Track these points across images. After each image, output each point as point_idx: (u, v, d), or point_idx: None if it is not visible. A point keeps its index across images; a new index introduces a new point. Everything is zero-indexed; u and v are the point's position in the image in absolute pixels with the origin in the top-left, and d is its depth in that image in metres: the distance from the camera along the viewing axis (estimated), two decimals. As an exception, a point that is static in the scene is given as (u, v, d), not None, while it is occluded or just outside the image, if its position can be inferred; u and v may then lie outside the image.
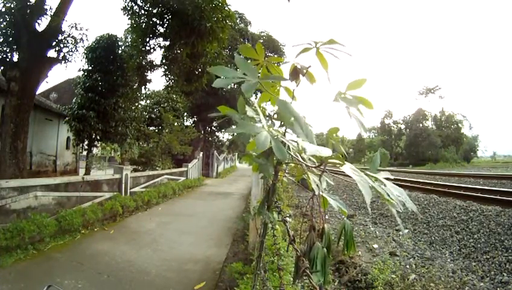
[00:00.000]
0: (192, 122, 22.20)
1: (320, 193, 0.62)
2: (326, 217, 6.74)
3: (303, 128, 0.59)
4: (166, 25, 9.67)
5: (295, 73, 0.70)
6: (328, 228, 0.67)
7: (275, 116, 0.76)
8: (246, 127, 0.57)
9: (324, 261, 0.61)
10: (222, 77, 0.65)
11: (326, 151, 0.52)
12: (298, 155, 0.62)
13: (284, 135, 0.65)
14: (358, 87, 0.70)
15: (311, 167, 0.60)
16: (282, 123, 0.76)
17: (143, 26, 9.80)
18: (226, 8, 9.39)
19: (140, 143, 14.51)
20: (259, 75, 0.77)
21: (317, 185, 0.57)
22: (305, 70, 0.70)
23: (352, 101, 0.67)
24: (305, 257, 0.62)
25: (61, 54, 8.18)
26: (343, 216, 0.71)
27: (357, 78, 0.73)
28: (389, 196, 0.54)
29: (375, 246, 4.91)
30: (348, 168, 0.55)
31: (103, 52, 10.04)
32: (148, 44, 10.40)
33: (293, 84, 0.76)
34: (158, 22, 9.70)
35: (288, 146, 0.63)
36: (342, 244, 0.69)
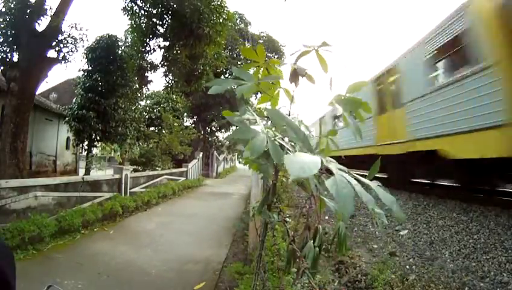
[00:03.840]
0: (192, 123, 22.21)
1: (317, 194, 0.63)
2: (326, 217, 6.74)
3: (297, 134, 0.59)
4: (166, 25, 9.69)
5: (294, 75, 0.71)
6: (321, 228, 0.70)
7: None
8: (243, 132, 0.56)
9: (315, 259, 0.65)
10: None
11: (313, 165, 0.45)
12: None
13: (283, 137, 0.65)
14: (358, 90, 0.69)
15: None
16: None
17: (143, 26, 9.82)
18: (225, 11, 9.42)
19: (141, 143, 14.52)
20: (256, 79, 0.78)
21: (316, 186, 0.57)
22: (304, 72, 0.70)
23: (351, 105, 0.66)
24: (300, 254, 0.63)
25: (61, 54, 8.20)
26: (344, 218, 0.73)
27: (357, 80, 0.72)
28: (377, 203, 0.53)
29: (375, 246, 4.91)
30: (333, 178, 0.49)
31: (103, 52, 10.05)
32: (148, 44, 10.42)
33: (292, 86, 0.76)
34: (158, 22, 9.72)
35: (287, 148, 0.63)
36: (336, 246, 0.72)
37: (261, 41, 20.38)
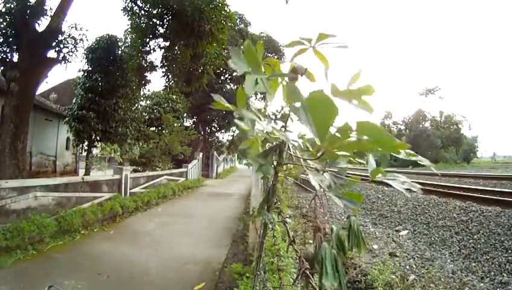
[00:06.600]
0: (192, 123, 22.18)
1: (323, 191, 0.61)
2: (326, 218, 6.74)
3: (307, 115, 0.56)
4: (166, 25, 9.67)
5: (294, 73, 0.70)
6: (336, 228, 0.64)
7: (278, 116, 0.76)
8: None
9: (335, 262, 0.58)
10: (236, 61, 0.62)
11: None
12: (298, 153, 0.62)
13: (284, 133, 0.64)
14: (357, 79, 0.69)
15: (310, 159, 0.60)
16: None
17: (143, 26, 9.81)
18: (226, 9, 9.41)
19: (141, 144, 14.50)
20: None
21: (319, 184, 0.57)
22: (304, 71, 0.69)
23: (352, 95, 0.66)
24: (313, 260, 0.60)
25: (61, 55, 8.17)
26: (343, 217, 0.71)
27: (354, 72, 0.72)
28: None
29: (375, 246, 4.91)
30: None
31: (103, 52, 10.04)
32: (148, 45, 10.40)
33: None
34: (158, 22, 9.70)
35: (288, 145, 0.63)
36: (350, 243, 0.66)
37: (261, 41, 20.36)
